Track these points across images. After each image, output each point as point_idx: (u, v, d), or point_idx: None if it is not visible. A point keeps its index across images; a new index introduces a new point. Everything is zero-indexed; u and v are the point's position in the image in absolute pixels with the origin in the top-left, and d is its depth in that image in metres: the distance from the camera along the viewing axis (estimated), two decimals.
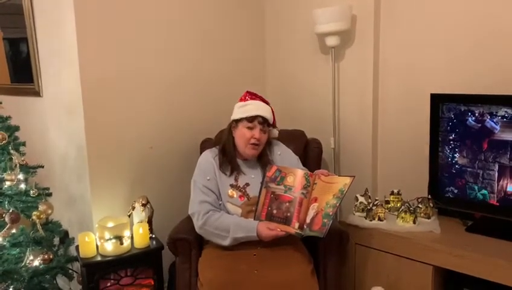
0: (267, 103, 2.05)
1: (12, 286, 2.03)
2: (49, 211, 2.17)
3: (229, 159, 2.02)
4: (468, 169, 2.11)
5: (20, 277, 2.04)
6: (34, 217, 2.11)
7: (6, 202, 2.09)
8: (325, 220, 1.80)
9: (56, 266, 2.17)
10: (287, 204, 1.88)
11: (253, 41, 2.94)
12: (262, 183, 1.95)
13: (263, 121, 1.98)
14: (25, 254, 2.07)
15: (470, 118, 2.07)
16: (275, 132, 2.12)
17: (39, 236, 2.12)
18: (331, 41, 2.47)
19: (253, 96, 2.04)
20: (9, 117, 2.20)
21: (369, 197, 2.32)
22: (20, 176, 2.14)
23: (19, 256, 2.07)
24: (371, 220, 2.20)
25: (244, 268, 1.84)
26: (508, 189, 2.01)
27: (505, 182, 2.01)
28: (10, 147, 2.14)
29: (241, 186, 2.00)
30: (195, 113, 2.65)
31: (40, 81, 2.60)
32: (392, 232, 2.12)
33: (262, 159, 2.05)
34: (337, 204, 1.81)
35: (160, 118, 2.52)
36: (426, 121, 2.22)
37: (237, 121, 2.00)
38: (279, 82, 2.96)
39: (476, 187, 2.10)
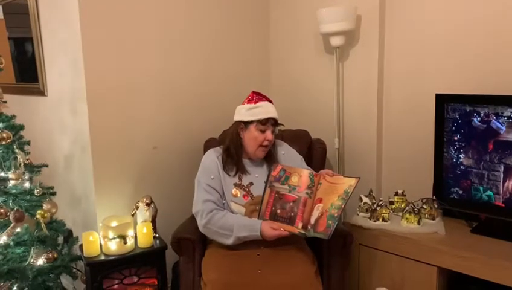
0: (271, 102, 2.05)
1: (16, 285, 2.04)
2: (54, 210, 2.18)
3: (235, 161, 2.01)
4: (473, 170, 2.10)
5: (24, 276, 2.04)
6: (38, 216, 2.11)
7: (11, 201, 2.09)
8: (330, 222, 1.79)
9: (60, 265, 2.17)
10: (291, 204, 1.88)
11: (257, 41, 2.94)
12: (266, 182, 1.95)
13: (274, 123, 1.99)
14: (29, 252, 2.08)
15: (475, 119, 2.06)
16: (276, 129, 2.13)
17: (43, 235, 2.12)
18: (336, 41, 2.46)
19: (260, 97, 2.04)
20: (14, 116, 2.20)
21: (374, 198, 2.32)
22: (25, 175, 2.14)
23: (23, 255, 2.08)
24: (375, 221, 2.20)
25: (247, 268, 1.83)
26: None
27: (511, 183, 2.00)
28: (15, 146, 2.14)
29: (245, 185, 2.00)
30: (199, 113, 2.66)
31: (44, 81, 2.61)
32: (397, 233, 2.11)
33: (269, 158, 2.05)
34: (342, 205, 1.81)
35: (165, 117, 2.52)
36: (431, 122, 2.21)
37: (246, 123, 1.99)
38: (284, 82, 2.95)
39: (481, 188, 2.09)
